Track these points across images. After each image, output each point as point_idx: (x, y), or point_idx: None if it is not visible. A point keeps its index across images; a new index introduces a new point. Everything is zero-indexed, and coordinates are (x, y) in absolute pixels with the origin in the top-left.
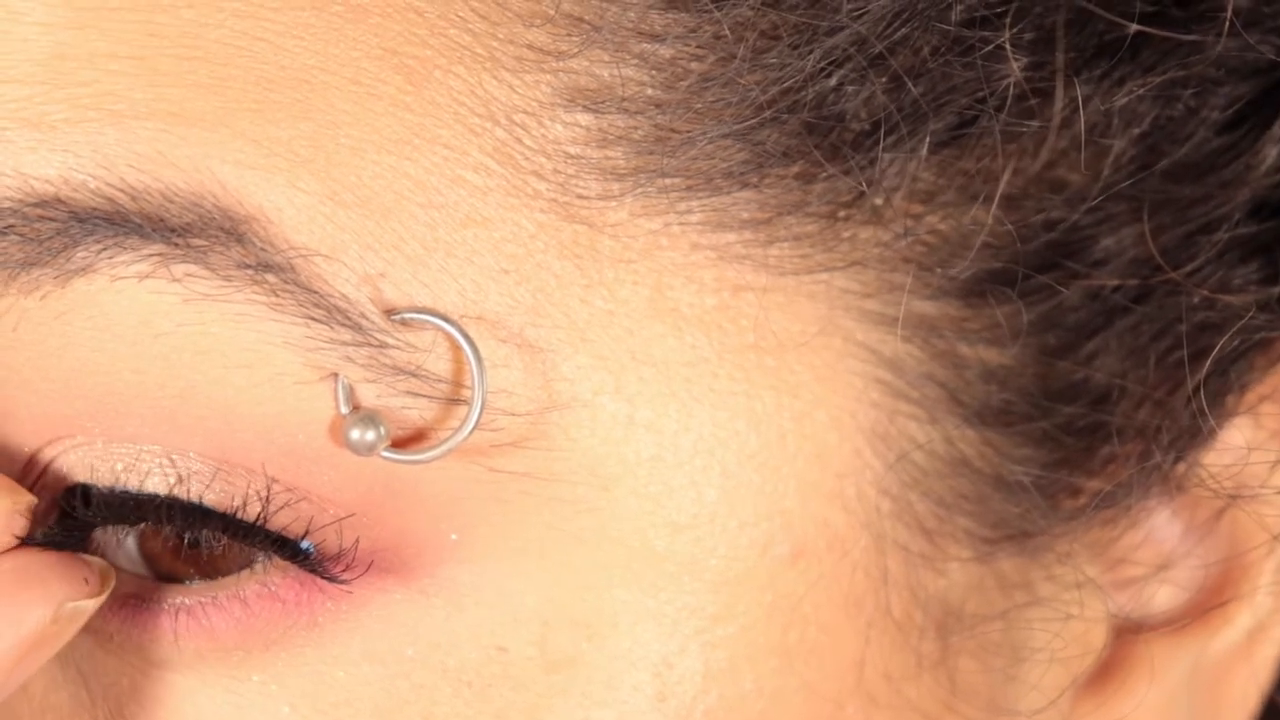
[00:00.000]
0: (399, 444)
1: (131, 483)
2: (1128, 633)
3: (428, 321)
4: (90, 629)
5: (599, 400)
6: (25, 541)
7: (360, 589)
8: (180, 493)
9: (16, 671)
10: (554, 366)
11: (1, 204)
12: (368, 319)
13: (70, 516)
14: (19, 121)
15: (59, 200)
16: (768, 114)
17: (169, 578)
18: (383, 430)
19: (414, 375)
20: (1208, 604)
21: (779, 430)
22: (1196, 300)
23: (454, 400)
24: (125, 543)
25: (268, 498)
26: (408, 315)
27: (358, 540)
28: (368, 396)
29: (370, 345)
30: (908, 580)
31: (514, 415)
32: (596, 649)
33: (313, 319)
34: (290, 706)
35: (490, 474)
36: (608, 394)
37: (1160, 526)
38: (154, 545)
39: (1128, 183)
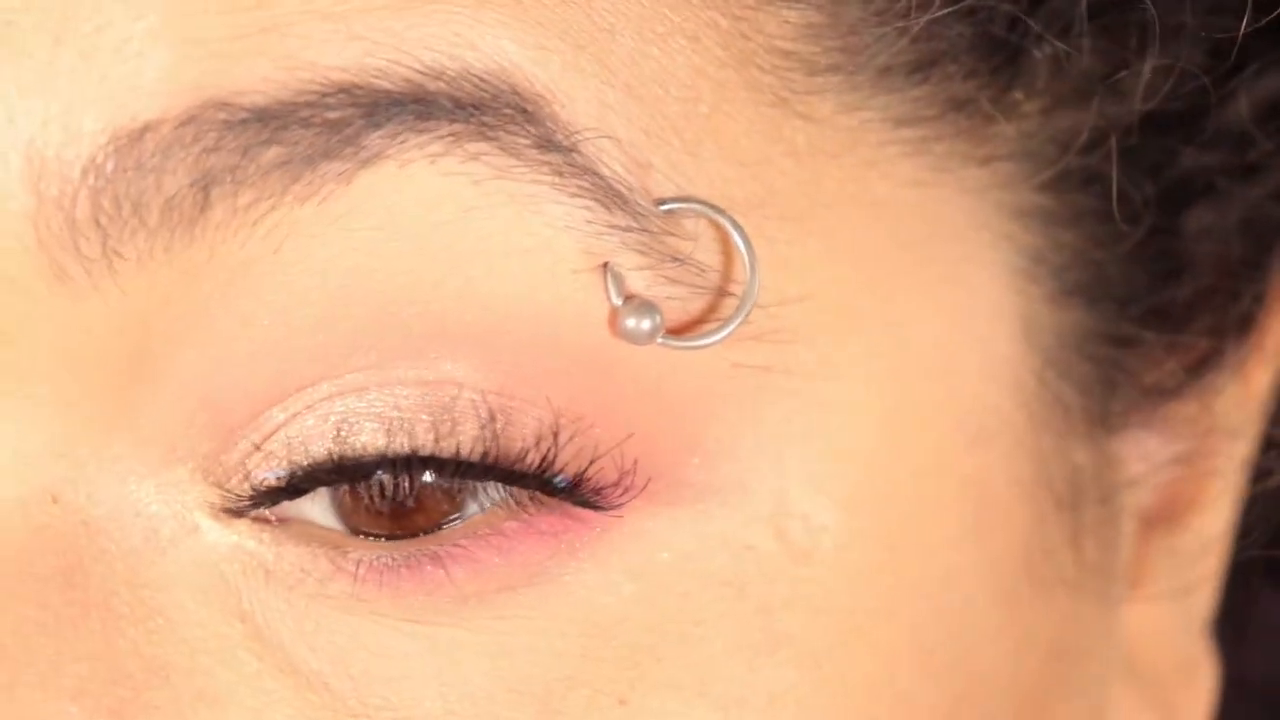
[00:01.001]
0: (670, 334)
1: (405, 439)
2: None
3: (696, 210)
4: (324, 596)
5: (823, 293)
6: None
7: (626, 513)
8: (479, 445)
9: None
10: (785, 260)
11: (296, 98)
12: (642, 205)
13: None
14: (309, 14)
15: (356, 86)
16: (936, 7)
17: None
18: (659, 318)
19: (684, 263)
20: (1181, 502)
21: (957, 318)
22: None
23: (718, 290)
24: (320, 503)
25: (556, 431)
26: (678, 205)
27: (636, 461)
28: (637, 286)
29: (646, 232)
30: (1057, 458)
31: (759, 307)
32: (832, 537)
33: (596, 202)
34: (562, 635)
35: (732, 369)
36: (830, 286)
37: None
38: (352, 506)
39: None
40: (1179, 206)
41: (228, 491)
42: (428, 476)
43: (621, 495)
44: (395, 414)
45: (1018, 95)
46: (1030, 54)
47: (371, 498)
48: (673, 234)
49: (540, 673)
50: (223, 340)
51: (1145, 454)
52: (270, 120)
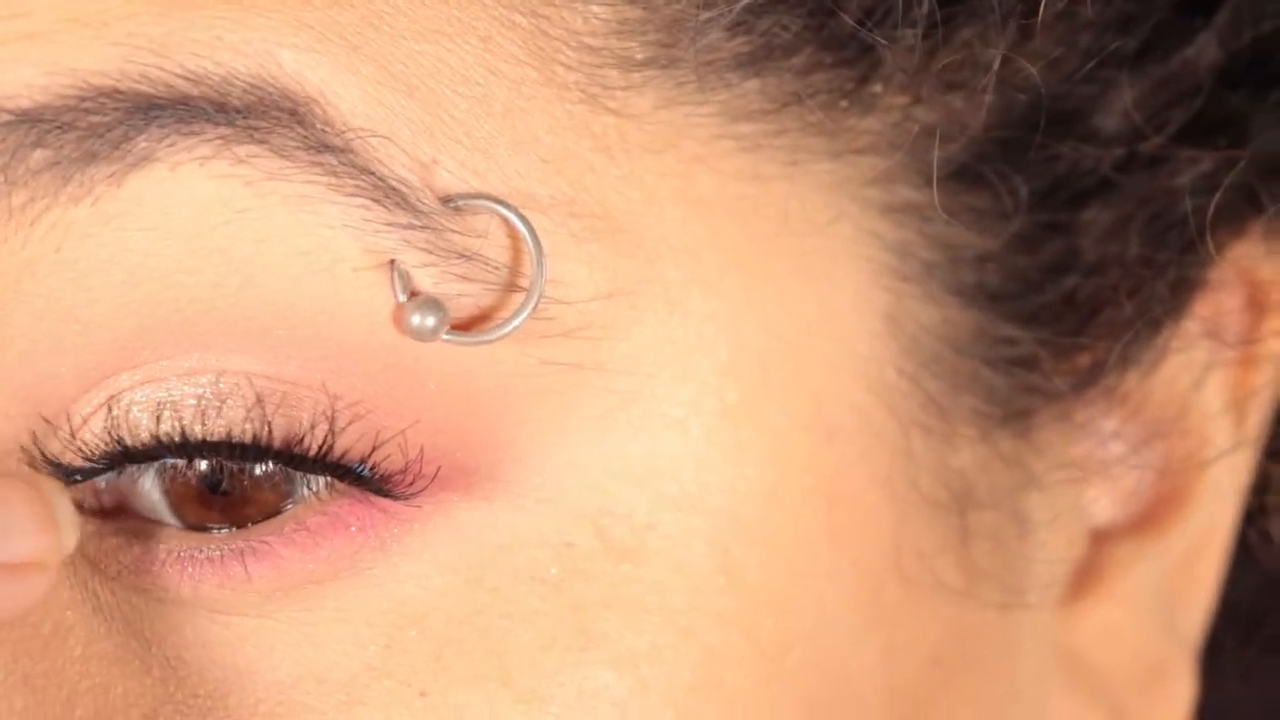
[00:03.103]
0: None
1: (195, 418)
2: (1099, 538)
3: (484, 207)
4: (140, 588)
5: (639, 289)
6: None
7: (424, 502)
8: (248, 426)
9: None
10: (595, 257)
11: (58, 102)
12: (424, 203)
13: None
14: (70, 21)
15: (118, 91)
16: (768, 2)
17: (202, 527)
18: (443, 314)
19: (471, 259)
20: (1159, 507)
21: (805, 314)
22: (1173, 168)
23: (510, 286)
24: (152, 492)
25: (333, 416)
26: (466, 201)
27: (422, 449)
28: (423, 283)
29: (429, 229)
30: (929, 458)
31: (565, 304)
32: (660, 536)
33: (373, 200)
34: (369, 626)
35: (541, 366)
36: (647, 283)
37: (1112, 427)
38: (181, 494)
39: (1105, 57)
40: (1072, 202)
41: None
42: (203, 465)
43: (411, 484)
44: (165, 396)
45: (875, 88)
46: (882, 47)
47: (187, 483)
48: (459, 231)
49: (344, 662)
50: (23, 338)
51: (1088, 454)
52: (35, 123)
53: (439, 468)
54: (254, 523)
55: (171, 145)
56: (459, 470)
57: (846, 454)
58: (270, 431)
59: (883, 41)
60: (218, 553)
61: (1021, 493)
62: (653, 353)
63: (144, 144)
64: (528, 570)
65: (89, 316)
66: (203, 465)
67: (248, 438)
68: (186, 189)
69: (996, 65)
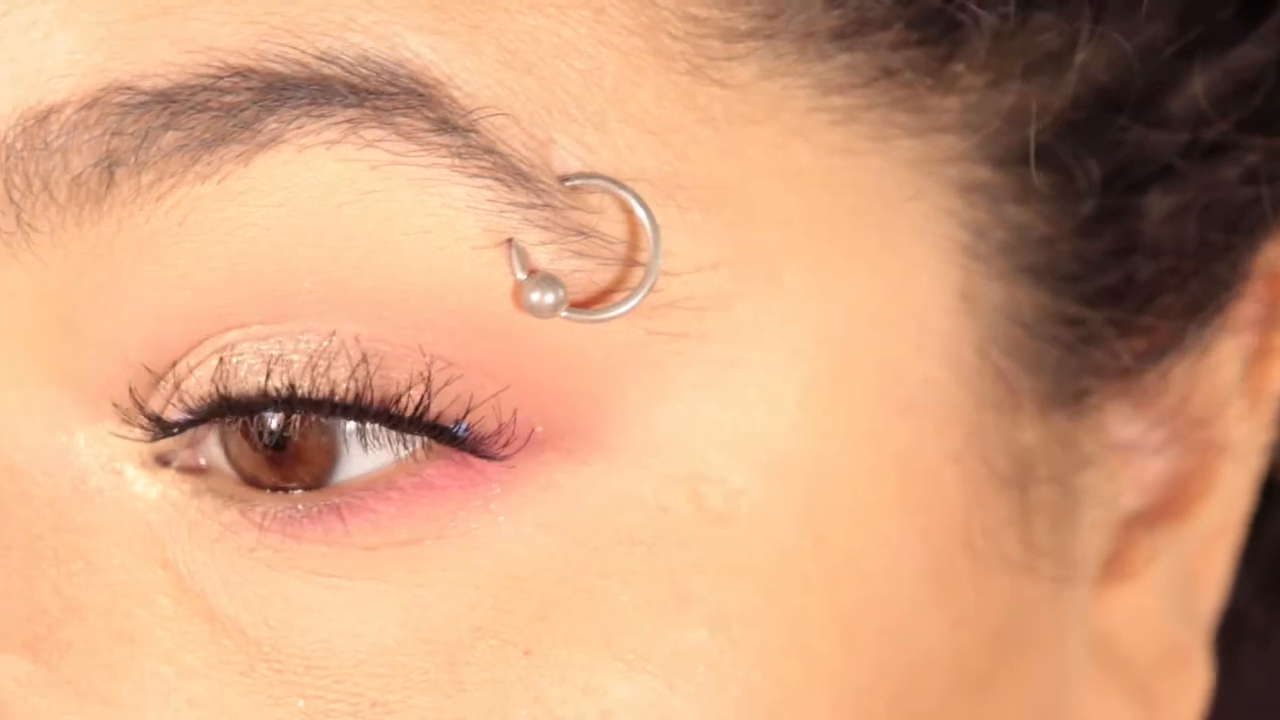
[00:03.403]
0: (574, 307)
1: (305, 373)
2: (1126, 524)
3: (598, 185)
4: (241, 549)
5: (741, 259)
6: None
7: (522, 463)
8: (352, 385)
9: None
10: (699, 227)
11: (193, 81)
12: (544, 181)
13: (222, 404)
14: None
15: (252, 70)
16: None
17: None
18: (562, 292)
19: (588, 236)
20: (1185, 487)
21: (887, 289)
22: (1238, 159)
23: (625, 260)
24: (208, 449)
25: (429, 377)
26: (580, 181)
27: (515, 412)
28: (540, 260)
29: (549, 208)
30: (999, 435)
31: (671, 275)
32: (750, 501)
33: (497, 180)
34: (476, 587)
35: (647, 336)
36: (748, 253)
37: (1130, 419)
38: (245, 454)
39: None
40: (1136, 187)
41: (144, 430)
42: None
43: (505, 445)
44: (276, 351)
45: (958, 67)
46: (969, 26)
47: (260, 436)
48: (577, 208)
49: (452, 624)
50: (136, 303)
51: (1126, 439)
52: (169, 104)
53: (533, 430)
54: (316, 487)
55: (300, 127)
56: (558, 433)
57: (922, 428)
58: (372, 390)
59: (969, 16)
60: (315, 509)
61: (1076, 472)
62: (751, 322)
63: (274, 125)
64: (626, 531)
65: (205, 283)
66: (274, 422)
67: (350, 396)
68: (313, 170)
69: (1082, 47)
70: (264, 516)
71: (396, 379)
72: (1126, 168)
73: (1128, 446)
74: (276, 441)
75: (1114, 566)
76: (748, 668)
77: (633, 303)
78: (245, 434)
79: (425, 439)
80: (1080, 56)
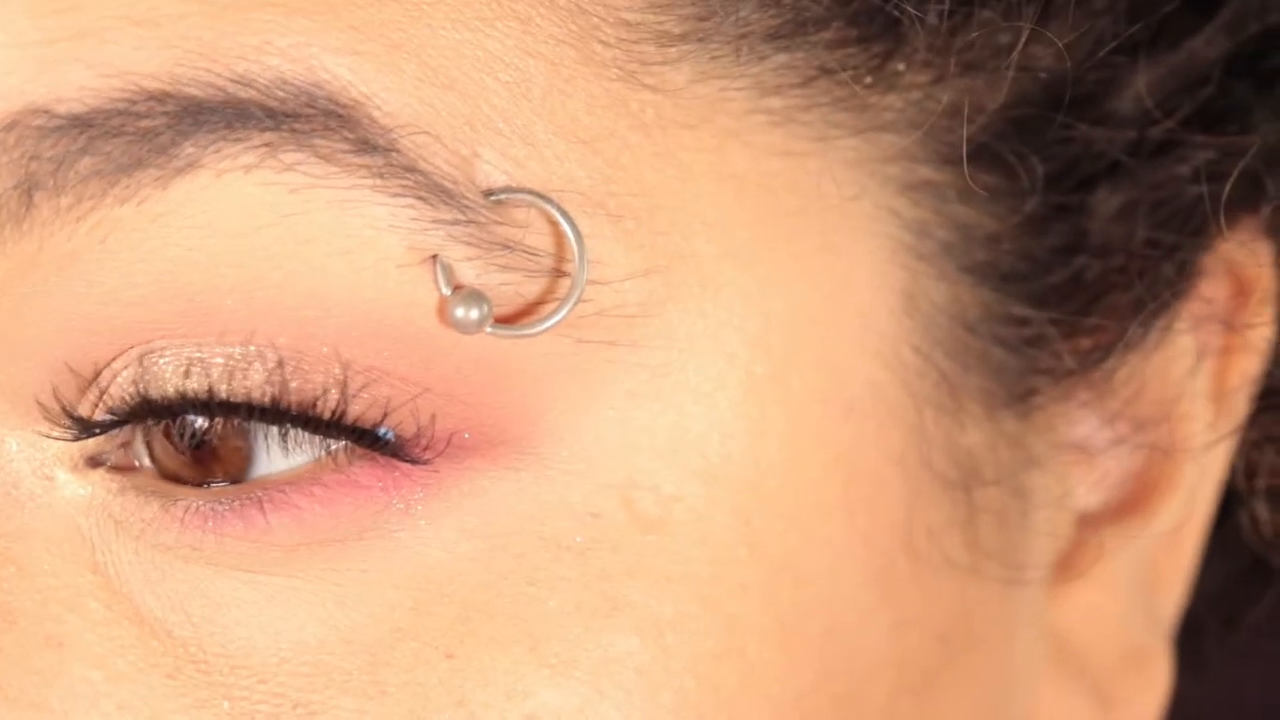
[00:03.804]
0: (500, 321)
1: (222, 377)
2: (1082, 522)
3: (522, 199)
4: (162, 546)
5: (673, 266)
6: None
7: (447, 469)
8: (267, 389)
9: None
10: (630, 235)
11: (109, 105)
12: (468, 197)
13: (143, 407)
14: (121, 21)
15: (167, 95)
16: None
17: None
18: (486, 307)
19: (514, 250)
20: (1144, 485)
21: (828, 290)
22: (1183, 154)
23: (551, 272)
24: (136, 450)
25: (345, 380)
26: (505, 196)
27: (434, 417)
28: (466, 275)
29: (473, 223)
30: (941, 436)
31: (600, 284)
32: (685, 508)
33: (419, 199)
34: (395, 588)
35: (577, 345)
36: (681, 259)
37: (1087, 416)
38: (168, 456)
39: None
40: (1083, 185)
41: (68, 430)
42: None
43: (425, 449)
44: (195, 355)
45: (898, 65)
46: (908, 24)
47: (181, 437)
48: (501, 222)
49: (371, 624)
50: (62, 315)
51: (1078, 438)
52: (85, 128)
53: (453, 435)
54: (237, 481)
55: (217, 151)
56: (486, 440)
57: (863, 430)
58: (289, 393)
59: (911, 14)
60: (236, 503)
61: (1023, 472)
62: (685, 328)
63: (190, 150)
64: (554, 538)
65: (129, 298)
66: (199, 423)
67: (267, 400)
68: (231, 194)
69: (1021, 45)
70: (185, 511)
71: (313, 383)
72: (1073, 165)
73: (1080, 445)
74: (197, 443)
75: (1069, 565)
76: (681, 674)
77: (558, 317)
78: (167, 435)
79: (348, 443)
80: (1020, 53)
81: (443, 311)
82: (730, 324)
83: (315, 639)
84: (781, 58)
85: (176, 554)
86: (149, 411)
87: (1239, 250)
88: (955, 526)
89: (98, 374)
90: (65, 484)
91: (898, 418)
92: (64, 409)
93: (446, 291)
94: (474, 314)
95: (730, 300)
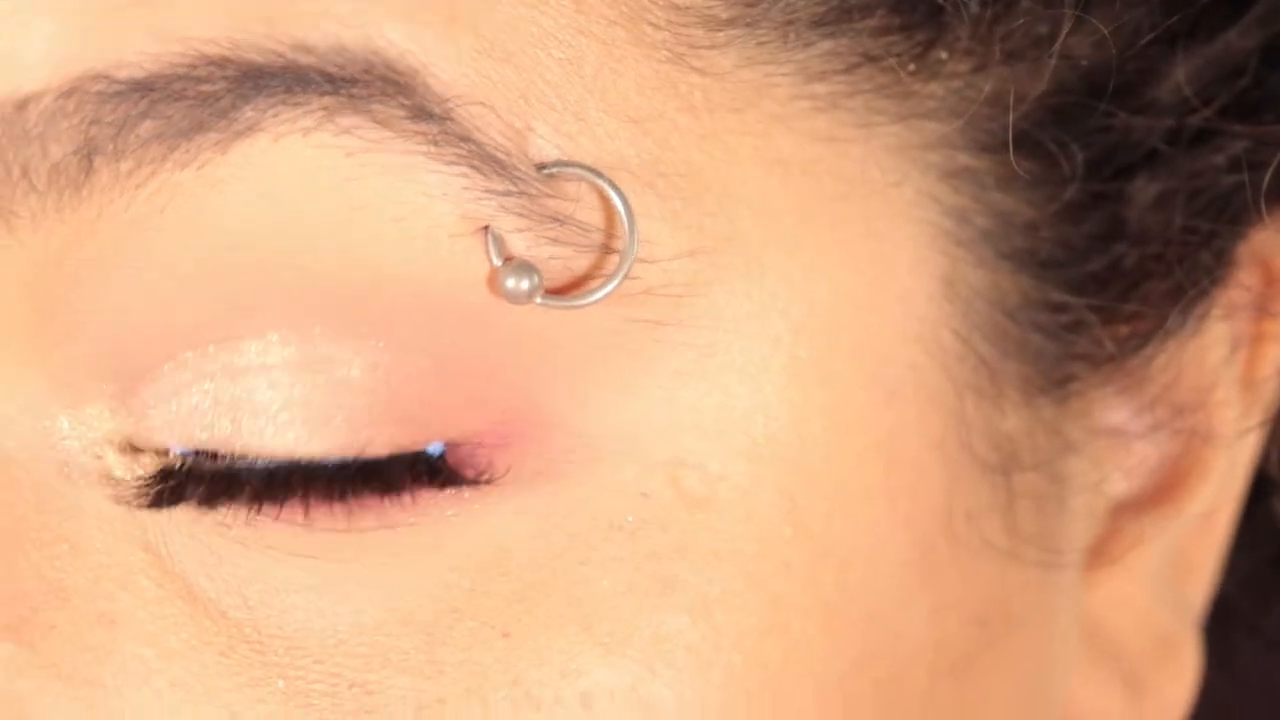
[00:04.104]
0: (550, 294)
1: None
2: (1113, 511)
3: (575, 173)
4: (219, 529)
5: (720, 247)
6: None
7: (499, 456)
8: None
9: None
10: (678, 215)
11: (169, 70)
12: (520, 169)
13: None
14: None
15: (227, 60)
16: None
17: None
18: (537, 278)
19: (564, 224)
20: (1168, 485)
21: (871, 276)
22: (1224, 145)
23: (602, 248)
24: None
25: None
26: (557, 169)
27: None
28: (517, 247)
29: (524, 195)
30: (981, 421)
31: (649, 263)
32: (731, 487)
33: (472, 168)
34: (452, 571)
35: (625, 324)
36: (727, 241)
37: (1117, 405)
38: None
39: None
40: (1121, 173)
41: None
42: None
43: (487, 466)
44: (243, 363)
45: (941, 53)
46: (951, 11)
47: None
48: (553, 196)
49: (429, 604)
50: (119, 290)
51: (1113, 425)
52: (146, 92)
53: (513, 426)
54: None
55: (276, 115)
56: (538, 420)
57: (904, 414)
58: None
59: (951, 3)
60: (292, 494)
61: (1061, 458)
62: (731, 309)
63: (250, 113)
64: (605, 518)
65: (187, 274)
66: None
67: (348, 455)
68: (289, 158)
69: (1064, 35)
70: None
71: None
72: (1111, 154)
73: (1115, 432)
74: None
75: (1101, 552)
76: (729, 651)
77: (607, 289)
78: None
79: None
80: (1061, 42)
81: (494, 281)
82: (775, 307)
83: (373, 621)
84: (827, 44)
85: (233, 537)
86: (198, 426)
87: (1271, 240)
88: (995, 511)
89: (155, 368)
90: (116, 464)
91: (938, 403)
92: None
93: (498, 262)
94: (525, 284)
95: (775, 284)
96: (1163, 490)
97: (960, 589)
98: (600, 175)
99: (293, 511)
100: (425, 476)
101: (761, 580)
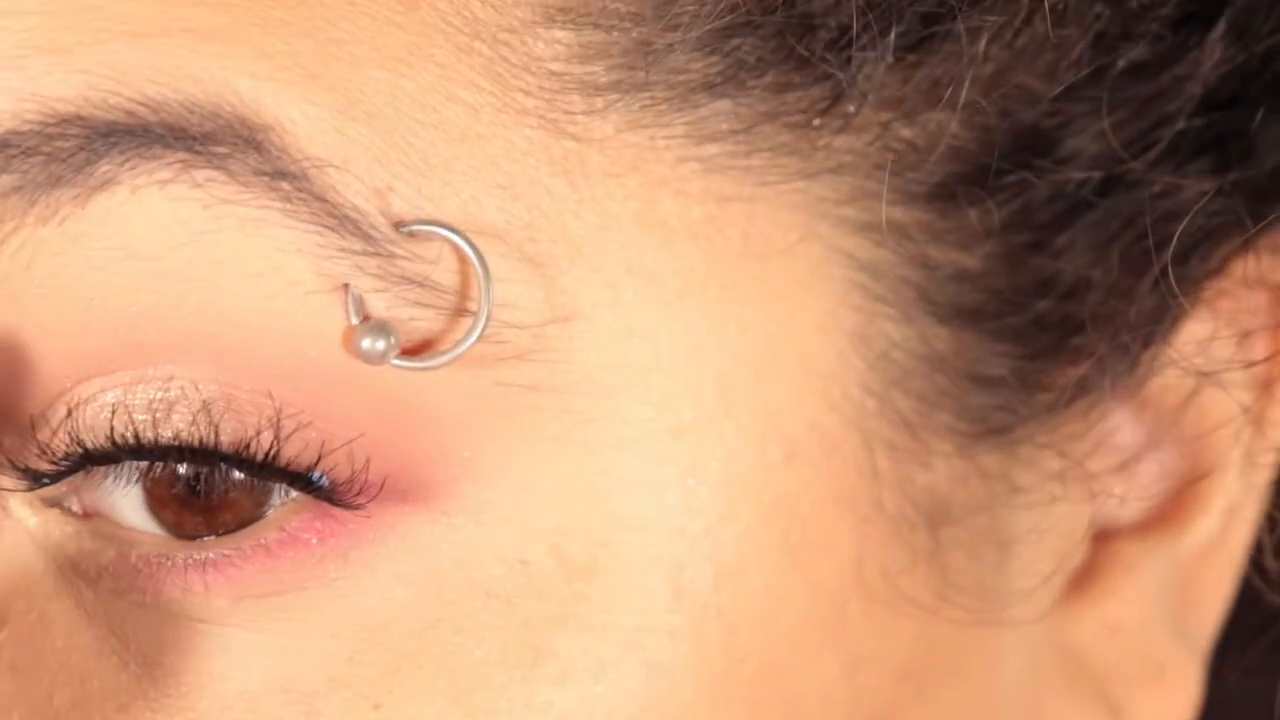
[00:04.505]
0: (407, 355)
1: (147, 421)
2: (1104, 538)
3: (435, 233)
4: (118, 591)
5: (597, 313)
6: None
7: (379, 514)
8: (194, 430)
9: None
10: (552, 280)
11: (23, 128)
12: (377, 230)
13: (83, 457)
14: (32, 48)
15: (80, 118)
16: (738, 22)
17: (192, 534)
18: (393, 339)
19: (422, 285)
20: (1171, 508)
21: (766, 335)
22: (1157, 189)
23: (460, 312)
24: (131, 496)
25: (278, 423)
26: (415, 227)
27: (369, 460)
28: (377, 307)
29: (380, 255)
30: (897, 476)
31: (518, 328)
32: (612, 555)
33: (325, 227)
34: (334, 637)
35: (497, 388)
36: (605, 306)
37: (1122, 427)
38: (161, 496)
39: (1086, 82)
40: (1051, 222)
41: (19, 480)
42: (182, 469)
43: (358, 494)
44: (119, 399)
45: (849, 107)
46: (852, 67)
47: (167, 485)
48: (411, 257)
49: (309, 673)
50: None
51: (1077, 463)
52: (3, 149)
53: (385, 481)
54: (228, 530)
55: (132, 169)
56: (416, 486)
57: (806, 473)
58: (217, 436)
59: (841, 71)
60: (182, 562)
61: (1003, 506)
62: (609, 375)
63: (106, 168)
64: (482, 585)
65: (57, 330)
66: (182, 469)
67: (195, 441)
68: (147, 210)
69: (965, 89)
70: (140, 561)
71: (246, 423)
72: (1039, 204)
73: (1103, 461)
74: (194, 489)
75: (1088, 579)
76: None
77: (457, 352)
78: (154, 480)
79: (283, 487)
80: (985, 90)
81: (349, 341)
82: (657, 371)
83: (259, 687)
84: (720, 104)
85: (130, 599)
86: (90, 460)
87: (1270, 261)
88: (917, 565)
89: (33, 425)
90: (23, 516)
91: (846, 460)
92: (11, 462)
93: (355, 321)
94: (380, 345)
95: (657, 348)
96: (1160, 517)
97: (878, 645)
98: (457, 233)
99: (183, 576)
100: (305, 487)
101: (641, 649)
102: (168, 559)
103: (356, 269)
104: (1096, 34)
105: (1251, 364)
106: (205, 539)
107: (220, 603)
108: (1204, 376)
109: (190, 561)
